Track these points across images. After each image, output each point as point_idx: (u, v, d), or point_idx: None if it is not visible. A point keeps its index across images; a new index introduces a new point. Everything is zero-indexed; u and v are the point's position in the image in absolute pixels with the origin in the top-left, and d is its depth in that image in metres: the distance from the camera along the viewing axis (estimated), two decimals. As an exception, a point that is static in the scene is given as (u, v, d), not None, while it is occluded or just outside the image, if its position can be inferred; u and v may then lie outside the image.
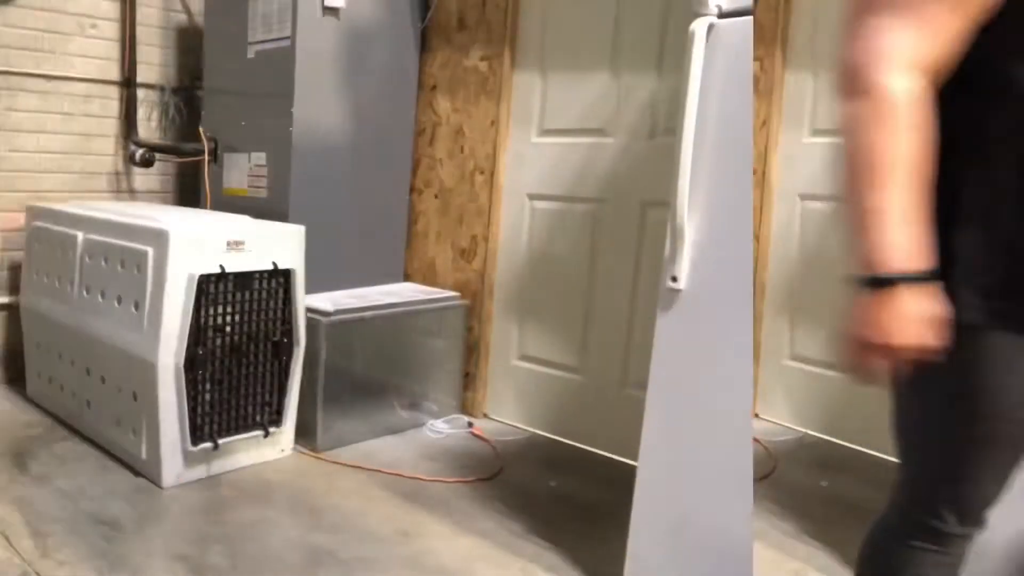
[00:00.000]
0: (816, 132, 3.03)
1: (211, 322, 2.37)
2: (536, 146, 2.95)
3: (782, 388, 3.17)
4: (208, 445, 2.42)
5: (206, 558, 1.98)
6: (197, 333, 2.32)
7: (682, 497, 1.77)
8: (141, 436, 2.38)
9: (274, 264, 2.50)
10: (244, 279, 2.44)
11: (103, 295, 2.52)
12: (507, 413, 3.13)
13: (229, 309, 2.42)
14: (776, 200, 3.13)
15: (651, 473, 1.81)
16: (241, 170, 3.08)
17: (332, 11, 2.89)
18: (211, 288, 2.35)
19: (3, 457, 2.51)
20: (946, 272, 1.00)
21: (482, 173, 3.06)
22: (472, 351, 3.16)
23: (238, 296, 2.43)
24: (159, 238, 2.30)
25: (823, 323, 3.01)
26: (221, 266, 2.36)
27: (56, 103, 3.24)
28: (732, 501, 1.69)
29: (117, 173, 3.47)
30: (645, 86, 2.65)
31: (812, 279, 3.06)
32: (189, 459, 2.40)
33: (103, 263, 2.52)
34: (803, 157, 3.06)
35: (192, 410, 2.36)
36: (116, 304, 2.45)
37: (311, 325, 2.67)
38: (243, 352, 2.36)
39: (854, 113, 0.97)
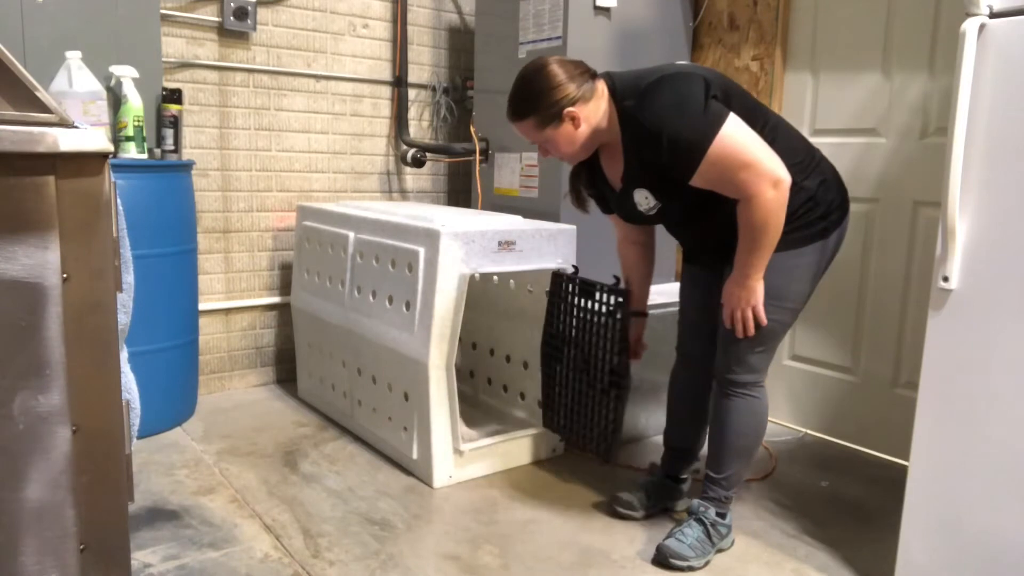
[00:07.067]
0: (816, 132, 3.35)
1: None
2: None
3: (782, 388, 3.55)
4: (479, 444, 2.79)
5: (477, 558, 2.32)
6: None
7: (955, 498, 1.97)
8: (412, 436, 2.80)
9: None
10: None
11: (374, 295, 2.96)
12: (778, 413, 3.54)
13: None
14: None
15: (923, 473, 2.03)
16: (512, 170, 3.51)
17: (603, 11, 3.29)
18: (482, 288, 2.71)
19: (274, 456, 3.01)
20: None
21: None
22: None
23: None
24: (431, 238, 2.69)
25: (823, 323, 3.38)
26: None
27: (326, 103, 3.79)
28: (1008, 502, 1.88)
29: (388, 173, 3.99)
30: (917, 85, 2.97)
31: (812, 279, 3.26)
32: (460, 459, 2.78)
33: (374, 263, 2.96)
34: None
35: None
36: (387, 304, 2.87)
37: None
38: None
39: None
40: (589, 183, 2.37)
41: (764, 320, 2.15)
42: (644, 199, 2.21)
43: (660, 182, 2.15)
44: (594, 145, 2.22)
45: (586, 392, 2.65)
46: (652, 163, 2.09)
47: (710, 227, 2.27)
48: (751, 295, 2.14)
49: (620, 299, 2.50)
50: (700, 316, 2.46)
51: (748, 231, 2.07)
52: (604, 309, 2.57)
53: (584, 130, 2.16)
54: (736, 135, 2.00)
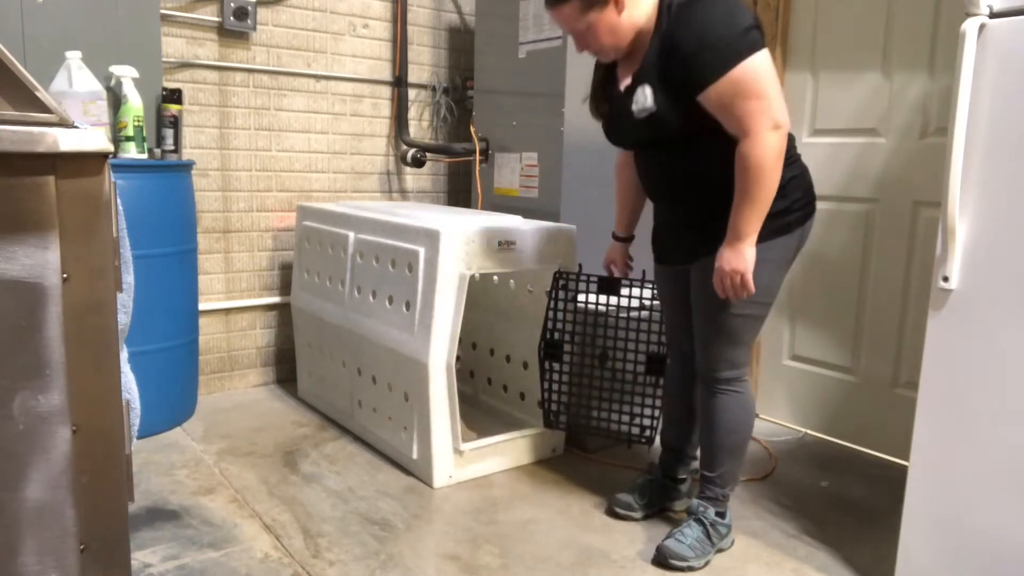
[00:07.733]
0: (816, 132, 3.34)
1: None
2: (807, 146, 3.31)
3: (782, 388, 3.55)
4: (479, 444, 2.80)
5: (477, 558, 2.32)
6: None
7: (955, 498, 1.97)
8: (412, 436, 2.79)
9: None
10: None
11: (374, 295, 2.96)
12: (778, 413, 3.54)
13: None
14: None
15: (923, 473, 2.03)
16: (512, 170, 3.50)
17: (604, 9, 3.22)
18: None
19: (274, 456, 3.01)
20: None
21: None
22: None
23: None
24: (431, 238, 2.69)
25: (823, 323, 3.38)
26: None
27: (326, 103, 3.78)
28: (1008, 502, 1.88)
29: (388, 173, 3.99)
30: (917, 85, 2.97)
31: (812, 279, 3.35)
32: (460, 459, 2.78)
33: (374, 263, 2.96)
34: (803, 156, 3.34)
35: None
36: (387, 304, 2.86)
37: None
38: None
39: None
40: (606, 85, 2.35)
41: (752, 289, 2.14)
42: (643, 96, 2.17)
43: (667, 87, 2.12)
44: (631, 45, 2.20)
45: (608, 386, 2.65)
46: (675, 65, 2.08)
47: (686, 189, 2.26)
48: (741, 260, 2.12)
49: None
50: (682, 312, 2.48)
51: (742, 177, 2.06)
52: (635, 303, 2.57)
53: (626, 22, 2.14)
54: (763, 66, 2.02)
